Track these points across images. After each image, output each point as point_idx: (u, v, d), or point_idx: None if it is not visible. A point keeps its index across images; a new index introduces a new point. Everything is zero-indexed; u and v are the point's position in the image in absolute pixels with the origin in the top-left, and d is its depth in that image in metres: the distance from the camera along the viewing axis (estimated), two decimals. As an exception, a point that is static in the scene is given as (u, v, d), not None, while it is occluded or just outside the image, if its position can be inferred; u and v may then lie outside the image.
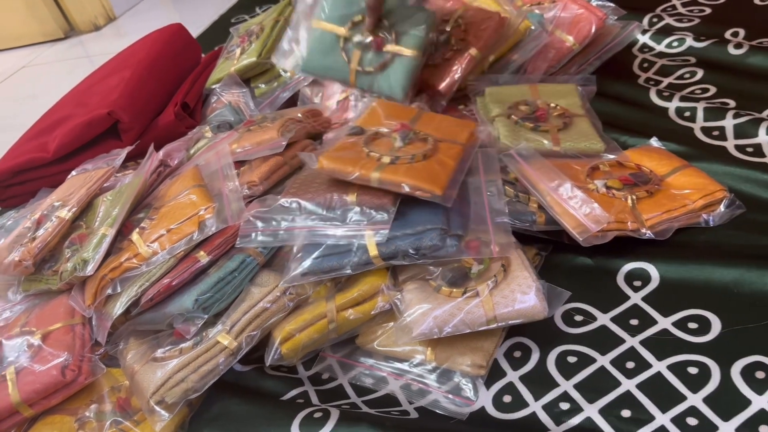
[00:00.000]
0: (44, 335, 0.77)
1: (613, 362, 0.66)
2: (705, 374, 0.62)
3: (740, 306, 0.67)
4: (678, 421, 0.59)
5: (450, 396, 0.67)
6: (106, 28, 2.33)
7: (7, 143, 1.18)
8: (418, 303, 0.68)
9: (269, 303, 0.72)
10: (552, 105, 0.93)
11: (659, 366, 0.64)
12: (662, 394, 0.61)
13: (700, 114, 0.93)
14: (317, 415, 0.65)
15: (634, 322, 0.69)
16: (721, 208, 0.77)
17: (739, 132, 0.88)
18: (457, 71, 0.96)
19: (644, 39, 1.15)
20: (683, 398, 0.60)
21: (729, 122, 0.90)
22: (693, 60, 1.07)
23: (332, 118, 1.05)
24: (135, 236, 0.79)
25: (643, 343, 0.66)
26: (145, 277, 0.76)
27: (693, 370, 0.62)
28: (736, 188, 0.80)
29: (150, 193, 0.90)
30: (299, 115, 0.97)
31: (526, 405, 0.65)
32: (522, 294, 0.66)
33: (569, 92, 0.96)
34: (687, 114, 0.95)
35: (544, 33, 1.01)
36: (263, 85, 1.14)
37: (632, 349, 0.66)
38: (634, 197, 0.77)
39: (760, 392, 0.58)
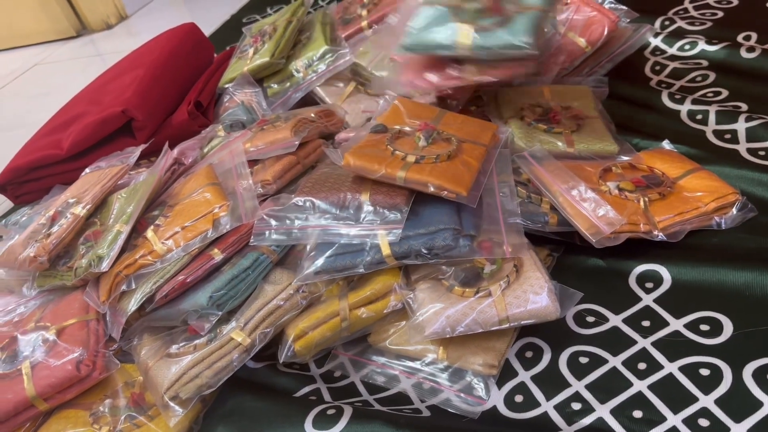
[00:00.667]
0: (59, 330, 0.77)
1: (624, 363, 0.66)
2: (717, 376, 0.62)
3: (752, 308, 0.67)
4: (690, 422, 0.59)
5: (462, 395, 0.68)
6: (118, 26, 2.35)
7: (21, 140, 1.18)
8: (430, 302, 0.69)
9: (282, 301, 0.73)
10: (565, 106, 0.93)
11: (671, 367, 0.64)
12: (674, 395, 0.61)
13: (712, 117, 0.93)
14: (330, 412, 0.66)
15: (645, 323, 0.69)
16: (733, 211, 0.77)
17: (752, 135, 0.88)
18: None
19: (656, 42, 1.15)
20: (695, 399, 0.60)
21: (741, 125, 0.90)
22: (705, 63, 1.07)
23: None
24: (150, 233, 0.80)
25: (654, 344, 0.66)
26: (160, 274, 0.77)
27: (705, 372, 0.62)
28: (748, 191, 0.80)
29: (164, 191, 0.90)
30: (312, 115, 0.98)
31: (537, 405, 0.65)
32: (534, 294, 0.66)
33: (582, 94, 0.96)
34: (699, 117, 0.95)
35: (556, 35, 1.01)
36: (276, 85, 1.15)
37: (644, 350, 0.66)
38: (646, 199, 0.77)
39: (772, 394, 0.59)
